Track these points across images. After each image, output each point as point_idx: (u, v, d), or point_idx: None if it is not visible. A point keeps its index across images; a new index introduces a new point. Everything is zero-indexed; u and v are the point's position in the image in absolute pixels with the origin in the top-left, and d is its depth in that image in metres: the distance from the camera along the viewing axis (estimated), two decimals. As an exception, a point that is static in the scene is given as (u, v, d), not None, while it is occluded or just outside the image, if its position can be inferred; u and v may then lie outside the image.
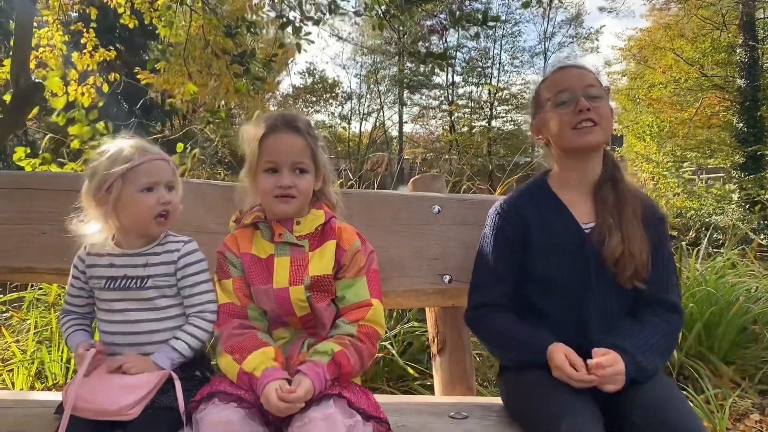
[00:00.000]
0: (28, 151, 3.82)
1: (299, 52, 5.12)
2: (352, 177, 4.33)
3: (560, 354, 1.48)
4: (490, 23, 5.02)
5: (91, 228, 1.59)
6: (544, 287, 1.65)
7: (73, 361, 2.85)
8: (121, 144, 1.57)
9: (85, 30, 6.63)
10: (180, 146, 4.15)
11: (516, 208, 1.72)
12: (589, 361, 1.45)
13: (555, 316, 1.62)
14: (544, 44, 26.51)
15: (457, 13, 5.13)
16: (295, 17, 4.65)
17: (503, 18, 24.14)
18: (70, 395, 1.42)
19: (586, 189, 1.69)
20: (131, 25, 6.20)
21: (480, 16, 4.98)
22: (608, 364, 1.43)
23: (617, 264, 1.57)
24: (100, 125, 3.85)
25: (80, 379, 1.43)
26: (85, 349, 1.52)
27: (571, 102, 1.62)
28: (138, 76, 7.41)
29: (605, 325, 1.59)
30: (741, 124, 13.77)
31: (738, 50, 14.43)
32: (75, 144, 3.85)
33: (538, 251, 1.65)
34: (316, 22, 4.88)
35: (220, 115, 5.66)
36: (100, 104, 3.99)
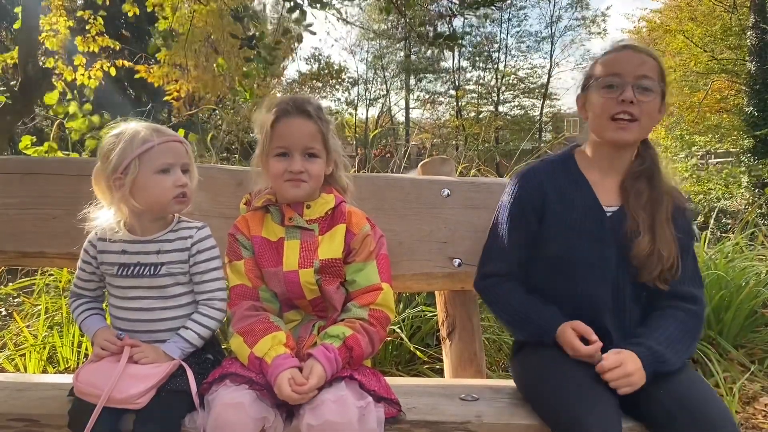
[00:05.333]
0: (34, 140, 3.82)
1: (300, 42, 5.09)
2: (362, 165, 4.32)
3: (568, 332, 1.49)
4: (497, 3, 4.96)
5: (103, 215, 1.59)
6: (557, 268, 1.61)
7: (84, 345, 2.88)
8: (136, 126, 1.56)
9: (92, 18, 6.61)
10: (193, 137, 4.13)
11: (536, 178, 1.68)
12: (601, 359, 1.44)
13: (567, 298, 1.59)
14: (551, 28, 26.31)
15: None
16: (303, 1, 4.61)
17: (508, 1, 23.93)
18: (90, 384, 1.43)
19: (615, 173, 1.64)
20: (130, 14, 6.17)
21: None
22: (614, 365, 1.41)
23: (644, 263, 1.54)
24: (96, 118, 3.82)
25: (120, 373, 1.43)
26: (111, 342, 1.52)
27: (618, 89, 1.55)
28: (137, 68, 7.27)
29: (620, 310, 1.57)
30: (751, 108, 13.62)
31: (749, 33, 14.23)
32: (74, 136, 3.84)
33: (553, 227, 1.62)
34: (323, 6, 4.85)
35: (246, 95, 5.58)
36: (91, 96, 3.95)
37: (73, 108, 3.88)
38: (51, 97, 4.05)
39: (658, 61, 1.59)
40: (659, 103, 1.59)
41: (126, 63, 7.19)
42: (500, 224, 1.72)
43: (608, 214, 1.60)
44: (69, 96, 3.85)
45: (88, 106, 3.89)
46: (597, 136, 1.64)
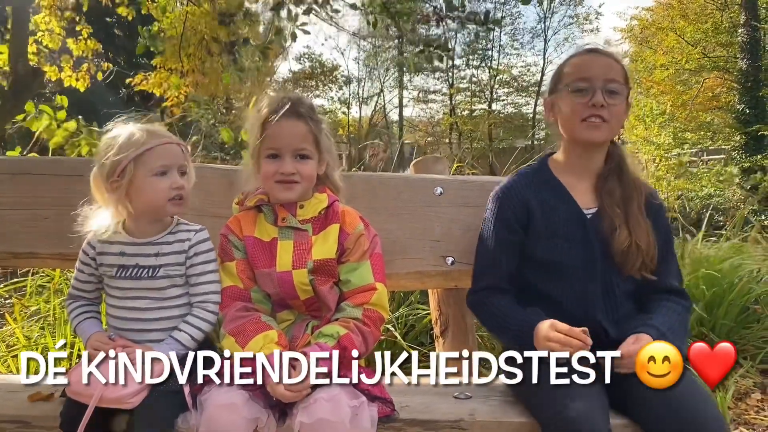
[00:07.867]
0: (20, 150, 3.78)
1: (294, 40, 5.09)
2: (352, 166, 4.31)
3: (545, 326, 1.47)
4: (491, 26, 5.00)
5: (101, 216, 1.58)
6: (546, 271, 1.65)
7: (77, 346, 2.86)
8: (132, 128, 1.55)
9: (77, 18, 6.57)
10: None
11: (516, 192, 1.71)
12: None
13: (559, 299, 1.62)
14: (544, 24, 26.28)
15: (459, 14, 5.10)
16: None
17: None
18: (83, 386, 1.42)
19: (588, 175, 1.69)
20: (127, 16, 6.14)
21: (482, 17, 4.97)
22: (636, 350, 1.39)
23: (625, 256, 1.58)
24: (71, 124, 3.74)
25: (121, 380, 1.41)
26: (103, 342, 1.51)
27: (588, 93, 1.58)
28: (135, 80, 7.14)
29: (611, 306, 1.60)
30: (742, 105, 13.68)
31: (740, 30, 14.29)
32: (53, 145, 3.78)
33: (539, 235, 1.65)
34: (307, 11, 4.86)
35: (210, 109, 5.56)
36: (65, 103, 3.86)
37: (46, 120, 3.80)
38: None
39: (623, 64, 1.65)
40: (625, 104, 1.64)
41: (108, 66, 7.15)
42: (486, 240, 1.74)
43: (588, 216, 1.64)
44: (42, 108, 3.77)
45: (62, 114, 3.80)
46: (568, 138, 1.68)
